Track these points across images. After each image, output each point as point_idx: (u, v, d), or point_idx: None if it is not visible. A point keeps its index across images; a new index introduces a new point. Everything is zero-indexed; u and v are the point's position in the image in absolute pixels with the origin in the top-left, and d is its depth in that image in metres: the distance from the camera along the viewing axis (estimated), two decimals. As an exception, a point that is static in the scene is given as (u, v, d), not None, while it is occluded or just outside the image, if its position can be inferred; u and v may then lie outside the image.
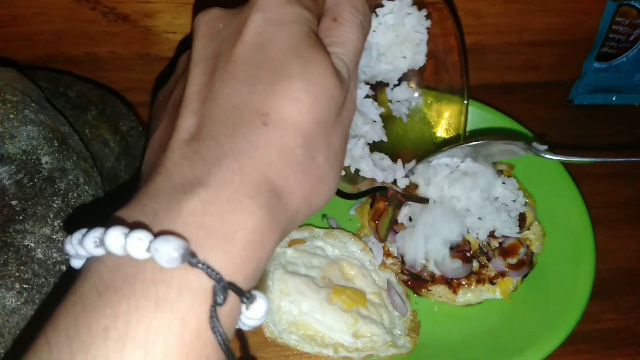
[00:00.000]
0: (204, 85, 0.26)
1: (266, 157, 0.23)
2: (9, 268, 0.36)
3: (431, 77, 0.40)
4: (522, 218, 0.46)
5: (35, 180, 0.38)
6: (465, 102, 0.40)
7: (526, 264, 0.44)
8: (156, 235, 0.20)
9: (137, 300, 0.19)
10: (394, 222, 0.37)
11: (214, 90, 0.25)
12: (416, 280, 0.44)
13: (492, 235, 0.45)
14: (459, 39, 0.39)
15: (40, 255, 0.36)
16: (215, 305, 0.20)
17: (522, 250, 0.45)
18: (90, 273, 0.21)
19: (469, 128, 0.53)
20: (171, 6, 0.50)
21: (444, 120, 0.42)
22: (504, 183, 0.47)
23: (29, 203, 0.37)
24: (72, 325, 0.19)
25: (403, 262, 0.44)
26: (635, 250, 0.51)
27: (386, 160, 0.37)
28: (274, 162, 0.24)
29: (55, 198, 0.38)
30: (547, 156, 0.39)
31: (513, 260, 0.44)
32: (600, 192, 0.53)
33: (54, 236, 0.37)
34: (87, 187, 0.40)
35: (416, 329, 0.41)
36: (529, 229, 0.47)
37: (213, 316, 0.20)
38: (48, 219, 0.37)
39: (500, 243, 0.45)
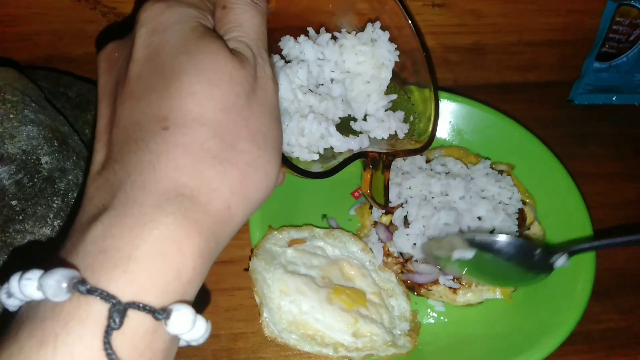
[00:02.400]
0: (109, 116, 0.25)
1: (172, 160, 0.22)
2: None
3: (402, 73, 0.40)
4: (522, 217, 0.46)
5: (35, 180, 0.38)
6: (433, 89, 0.39)
7: None
8: (46, 271, 0.19)
9: (23, 341, 0.19)
10: (387, 185, 0.36)
11: (117, 115, 0.25)
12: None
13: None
14: (413, 30, 0.39)
15: (40, 255, 0.36)
16: (108, 330, 0.19)
17: None
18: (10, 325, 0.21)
19: (469, 127, 0.54)
20: (171, 6, 0.50)
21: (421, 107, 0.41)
22: (497, 181, 0.47)
23: (29, 203, 0.37)
24: None
25: (403, 262, 0.44)
26: (635, 250, 0.50)
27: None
28: (183, 163, 0.22)
29: (55, 198, 0.38)
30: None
31: None
32: (600, 192, 0.53)
33: (54, 236, 0.37)
34: (87, 187, 0.40)
35: (416, 329, 0.41)
36: (529, 229, 0.47)
37: (106, 342, 0.18)
38: (48, 219, 0.37)
39: None
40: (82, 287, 0.19)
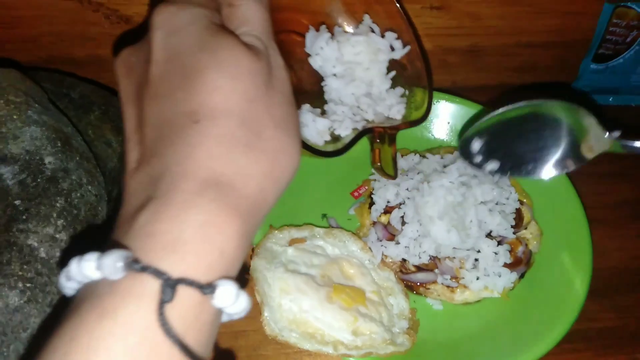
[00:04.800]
0: (136, 117, 0.27)
1: (207, 151, 0.24)
2: (12, 267, 0.36)
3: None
4: (519, 217, 0.47)
5: (39, 180, 0.38)
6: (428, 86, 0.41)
7: (523, 262, 0.45)
8: (103, 253, 0.21)
9: (83, 315, 0.21)
10: (395, 157, 0.38)
11: (145, 116, 0.26)
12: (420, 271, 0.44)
13: (489, 236, 0.45)
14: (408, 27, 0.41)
15: (43, 255, 0.36)
16: (162, 303, 0.20)
17: (520, 248, 0.45)
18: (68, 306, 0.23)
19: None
20: (172, 8, 0.51)
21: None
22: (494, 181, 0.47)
23: (32, 203, 0.37)
24: (37, 352, 0.21)
25: (402, 262, 0.45)
26: (633, 249, 0.51)
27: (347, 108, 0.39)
28: (217, 152, 0.24)
29: (58, 198, 0.38)
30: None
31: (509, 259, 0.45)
32: (599, 192, 0.54)
33: (57, 235, 0.38)
34: (90, 187, 0.41)
35: (415, 327, 0.41)
36: (526, 228, 0.47)
37: (161, 313, 0.20)
38: (51, 219, 0.38)
39: (499, 242, 0.45)
40: (136, 265, 0.21)
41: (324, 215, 0.49)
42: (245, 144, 0.25)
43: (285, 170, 0.27)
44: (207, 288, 0.22)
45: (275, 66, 0.28)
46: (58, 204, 0.38)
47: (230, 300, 0.22)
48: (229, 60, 0.25)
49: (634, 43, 0.59)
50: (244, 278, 0.42)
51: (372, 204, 0.48)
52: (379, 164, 0.37)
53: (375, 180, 0.50)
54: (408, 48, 0.41)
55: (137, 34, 0.28)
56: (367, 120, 0.39)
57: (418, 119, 0.40)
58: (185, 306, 0.21)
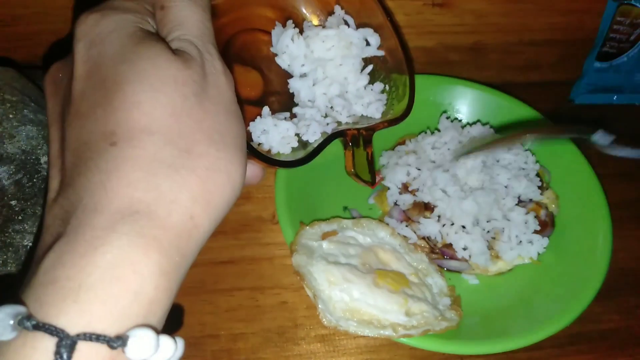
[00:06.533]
0: (60, 140, 0.25)
1: (124, 177, 0.21)
2: (9, 268, 0.36)
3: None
4: (540, 179, 0.48)
5: (35, 180, 0.38)
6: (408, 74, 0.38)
7: (549, 225, 0.46)
8: None
9: None
10: (371, 160, 0.35)
11: (66, 138, 0.24)
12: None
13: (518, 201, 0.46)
14: (385, 17, 0.38)
15: (39, 256, 0.36)
16: None
17: (542, 212, 0.46)
18: None
19: (465, 108, 0.55)
20: (171, 6, 0.50)
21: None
22: (509, 149, 0.48)
23: (28, 203, 0.37)
24: None
25: (432, 247, 0.45)
26: (636, 250, 0.50)
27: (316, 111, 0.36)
28: (135, 178, 0.21)
29: (54, 198, 0.38)
30: (612, 152, 0.39)
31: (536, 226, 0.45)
32: (601, 192, 0.53)
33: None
34: (86, 187, 0.40)
35: (457, 302, 0.42)
36: (547, 188, 0.48)
37: None
38: (47, 219, 0.37)
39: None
40: (28, 323, 0.18)
41: (345, 208, 0.48)
42: (170, 164, 0.22)
43: (221, 191, 0.23)
44: (116, 341, 0.19)
45: (211, 72, 0.25)
46: (54, 205, 0.38)
47: (149, 350, 0.19)
48: (150, 70, 0.23)
49: (638, 41, 0.58)
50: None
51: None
52: (352, 169, 0.34)
53: (383, 166, 0.51)
54: (378, 41, 0.37)
55: (68, 43, 0.26)
56: (339, 123, 0.36)
57: (398, 117, 0.36)
58: None
